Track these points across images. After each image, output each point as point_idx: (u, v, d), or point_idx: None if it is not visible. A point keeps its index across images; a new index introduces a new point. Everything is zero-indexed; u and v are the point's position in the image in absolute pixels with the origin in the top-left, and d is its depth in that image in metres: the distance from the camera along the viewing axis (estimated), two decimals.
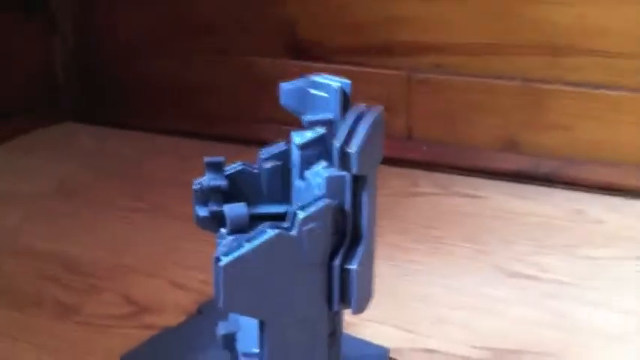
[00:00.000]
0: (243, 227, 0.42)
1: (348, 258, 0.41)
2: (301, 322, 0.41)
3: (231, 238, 0.41)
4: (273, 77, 0.86)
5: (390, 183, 0.88)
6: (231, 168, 0.47)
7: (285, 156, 0.47)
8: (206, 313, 0.57)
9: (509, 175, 0.90)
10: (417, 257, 0.72)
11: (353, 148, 0.39)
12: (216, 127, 1.02)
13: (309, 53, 0.96)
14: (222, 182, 0.46)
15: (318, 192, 0.41)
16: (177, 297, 0.66)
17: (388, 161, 0.89)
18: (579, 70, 0.86)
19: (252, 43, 0.99)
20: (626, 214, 0.81)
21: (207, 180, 0.46)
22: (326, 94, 0.45)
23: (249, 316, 0.40)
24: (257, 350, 0.43)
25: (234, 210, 0.42)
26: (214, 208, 0.46)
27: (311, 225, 0.40)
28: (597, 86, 0.85)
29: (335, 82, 0.45)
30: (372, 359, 0.54)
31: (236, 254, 0.38)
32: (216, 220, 0.46)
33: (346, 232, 0.41)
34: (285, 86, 0.47)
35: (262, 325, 0.41)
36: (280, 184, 0.48)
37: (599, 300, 0.65)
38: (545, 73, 0.87)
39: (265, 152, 0.48)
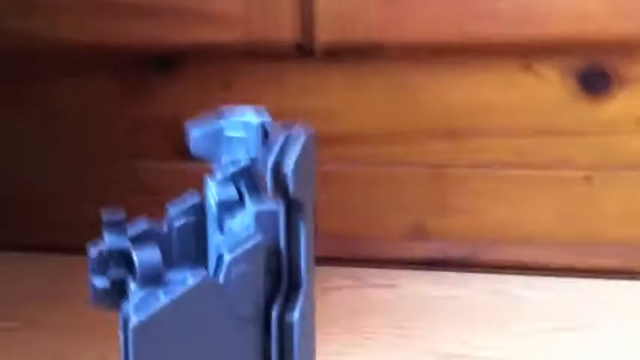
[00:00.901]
0: (158, 278, 0.34)
1: (286, 308, 0.35)
2: None
3: (142, 292, 0.34)
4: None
5: None
6: (134, 229, 0.41)
7: (199, 211, 0.41)
8: None
9: (420, 262, 0.86)
10: (343, 349, 0.66)
11: (288, 166, 0.34)
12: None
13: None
14: (125, 244, 0.39)
15: (245, 234, 0.35)
16: None
17: None
18: (483, 152, 0.84)
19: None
20: (543, 290, 0.79)
21: (108, 243, 0.39)
22: (244, 134, 0.40)
23: None
24: None
25: (147, 255, 0.34)
26: (116, 274, 0.39)
27: (240, 268, 0.33)
28: (502, 167, 0.84)
29: (253, 116, 0.40)
30: None
31: (150, 311, 0.31)
32: (117, 292, 0.39)
33: (282, 276, 0.35)
34: (195, 132, 0.41)
35: None
36: (194, 245, 0.42)
37: None
38: (449, 158, 0.85)
39: (174, 208, 0.41)
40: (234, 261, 0.33)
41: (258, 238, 0.34)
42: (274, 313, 0.34)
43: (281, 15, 0.84)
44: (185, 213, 0.41)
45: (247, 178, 0.38)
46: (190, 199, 0.42)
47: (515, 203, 0.84)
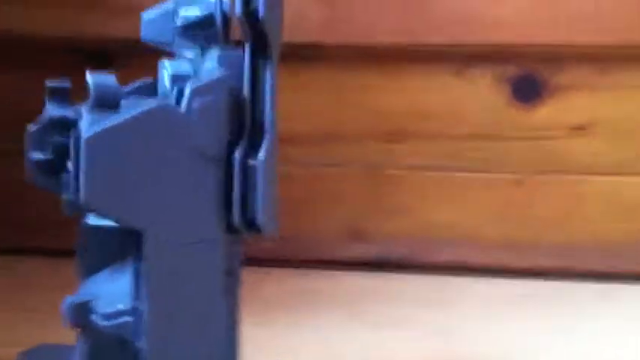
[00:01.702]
0: (113, 102, 0.31)
1: (250, 151, 0.33)
2: (191, 246, 0.31)
3: (96, 115, 0.31)
4: None
5: None
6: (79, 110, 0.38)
7: (151, 89, 0.40)
8: None
9: (358, 264, 0.85)
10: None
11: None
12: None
13: None
14: (69, 112, 0.36)
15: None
16: None
17: None
18: (418, 154, 0.85)
19: None
20: (484, 284, 0.79)
21: (50, 111, 0.36)
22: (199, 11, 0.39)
23: (121, 220, 0.30)
24: (123, 306, 0.32)
25: (102, 78, 0.31)
26: (59, 143, 0.35)
27: (204, 99, 0.31)
28: (438, 169, 0.85)
29: None
30: None
31: (105, 125, 0.29)
32: (59, 162, 0.36)
33: (245, 120, 0.34)
34: (145, 16, 0.40)
35: (140, 245, 0.31)
36: None
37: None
38: (385, 159, 0.86)
39: (127, 88, 0.40)
40: (197, 91, 0.32)
41: (222, 72, 0.33)
42: (237, 155, 0.33)
43: None
44: (137, 92, 0.40)
45: (208, 31, 0.37)
46: (143, 82, 0.40)
47: (450, 204, 0.85)
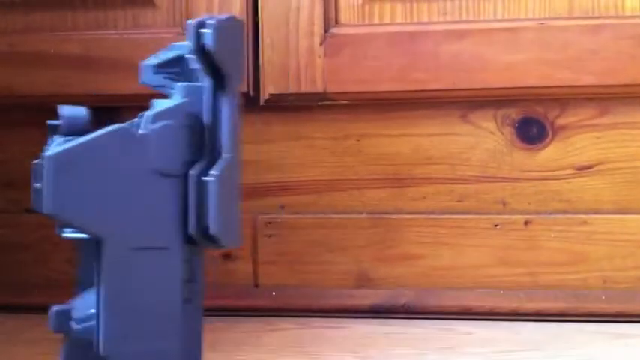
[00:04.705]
0: (82, 131, 0.34)
1: (206, 171, 0.36)
2: (149, 252, 0.34)
3: (63, 139, 0.34)
4: None
5: (239, 328, 0.80)
6: None
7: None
8: None
9: (366, 310, 0.85)
10: None
11: (209, 24, 0.35)
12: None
13: None
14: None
15: None
16: None
17: (234, 310, 0.84)
18: (423, 199, 0.86)
19: None
20: (490, 327, 0.79)
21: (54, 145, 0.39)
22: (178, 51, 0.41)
23: (83, 228, 0.33)
24: (94, 310, 0.34)
25: (72, 110, 0.35)
26: None
27: (161, 124, 0.34)
28: (443, 212, 0.85)
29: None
30: None
31: (67, 146, 0.32)
32: None
33: (204, 143, 0.36)
34: (144, 63, 0.42)
35: (100, 251, 0.33)
36: None
37: None
38: (390, 205, 0.86)
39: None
40: (155, 116, 0.34)
41: (181, 100, 0.35)
42: (193, 172, 0.35)
43: None
44: None
45: (179, 68, 0.38)
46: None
47: (456, 248, 0.84)
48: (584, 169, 0.83)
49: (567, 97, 0.83)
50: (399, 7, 0.84)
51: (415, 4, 0.84)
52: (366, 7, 0.84)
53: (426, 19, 0.83)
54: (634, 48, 0.80)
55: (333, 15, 0.85)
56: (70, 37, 0.87)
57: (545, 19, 0.82)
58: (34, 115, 0.91)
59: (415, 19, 0.84)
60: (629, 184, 0.82)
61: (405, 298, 0.84)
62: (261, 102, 0.86)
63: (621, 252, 0.82)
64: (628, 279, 0.82)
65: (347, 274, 0.86)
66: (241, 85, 0.86)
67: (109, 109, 0.89)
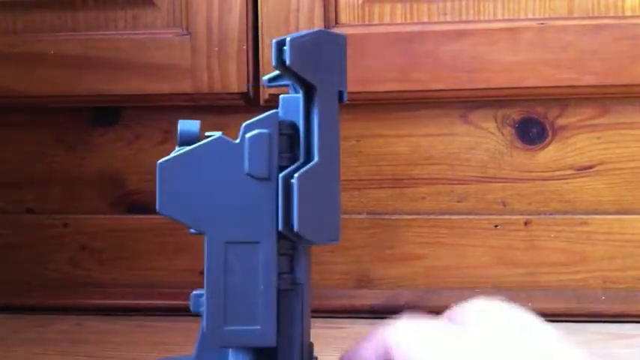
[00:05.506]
0: (192, 142, 0.40)
1: (293, 174, 0.40)
2: (244, 245, 0.39)
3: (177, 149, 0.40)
4: None
5: None
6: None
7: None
8: None
9: (367, 311, 0.85)
10: None
11: (287, 42, 0.39)
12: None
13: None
14: None
15: None
16: None
17: None
18: (423, 199, 0.86)
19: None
20: None
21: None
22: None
23: (188, 223, 0.39)
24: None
25: (187, 124, 0.40)
26: None
27: (254, 132, 0.39)
28: (443, 212, 0.85)
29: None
30: None
31: (174, 154, 0.38)
32: None
33: (299, 149, 0.40)
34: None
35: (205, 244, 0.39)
36: None
37: None
38: (390, 205, 0.86)
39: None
40: (249, 125, 0.39)
41: (275, 111, 0.40)
42: (281, 175, 0.39)
43: (226, 66, 0.87)
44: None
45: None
46: None
47: (455, 249, 0.84)
48: (584, 169, 0.83)
49: (567, 98, 0.83)
50: (398, 7, 0.84)
51: (415, 4, 0.84)
52: (366, 7, 0.84)
53: (425, 19, 0.83)
54: (634, 48, 0.80)
55: (332, 15, 0.85)
56: (70, 37, 0.87)
57: (545, 19, 0.82)
58: (34, 116, 0.91)
59: (415, 19, 0.84)
60: (629, 185, 0.82)
61: (405, 298, 0.84)
62: (261, 102, 0.86)
63: (621, 252, 0.82)
64: (628, 279, 0.82)
65: (347, 274, 0.86)
66: (243, 85, 0.86)
67: (109, 109, 0.90)
